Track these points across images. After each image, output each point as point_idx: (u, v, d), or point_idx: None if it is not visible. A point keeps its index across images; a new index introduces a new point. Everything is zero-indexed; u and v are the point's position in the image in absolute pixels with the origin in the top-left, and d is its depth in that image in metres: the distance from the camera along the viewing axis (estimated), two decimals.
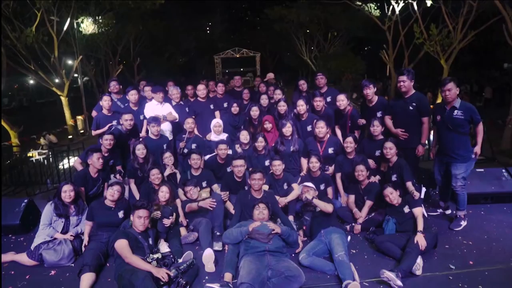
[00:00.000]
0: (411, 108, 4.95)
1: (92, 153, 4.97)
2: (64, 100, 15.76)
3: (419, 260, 3.67)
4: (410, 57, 17.59)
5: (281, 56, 33.14)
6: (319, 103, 5.82)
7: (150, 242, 3.89)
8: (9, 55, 13.21)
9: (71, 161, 8.20)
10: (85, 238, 4.27)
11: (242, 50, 24.64)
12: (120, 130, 5.72)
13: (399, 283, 3.38)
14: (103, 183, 5.07)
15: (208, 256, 3.88)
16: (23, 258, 4.12)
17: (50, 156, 9.33)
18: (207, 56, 29.35)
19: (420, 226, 4.03)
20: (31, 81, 29.61)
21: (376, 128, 5.16)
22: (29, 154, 10.56)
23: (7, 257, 4.23)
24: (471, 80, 22.50)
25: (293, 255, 4.08)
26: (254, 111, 6.09)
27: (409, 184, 4.62)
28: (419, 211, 4.18)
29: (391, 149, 4.79)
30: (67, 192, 4.35)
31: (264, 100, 6.56)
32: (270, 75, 9.16)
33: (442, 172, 4.78)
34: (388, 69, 20.95)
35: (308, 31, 23.63)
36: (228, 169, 5.33)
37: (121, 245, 3.62)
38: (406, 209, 4.28)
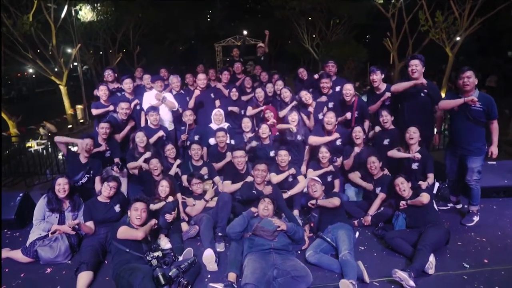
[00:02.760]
0: (422, 94, 4.74)
1: (84, 138, 4.82)
2: (63, 89, 15.58)
3: (432, 258, 3.49)
4: (414, 45, 17.28)
5: (282, 44, 32.64)
6: (325, 84, 5.67)
7: (149, 238, 3.71)
8: (7, 44, 12.98)
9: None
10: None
11: (243, 38, 24.22)
12: (116, 118, 5.51)
13: (412, 283, 3.20)
14: (90, 172, 4.82)
15: (208, 256, 3.68)
16: (17, 255, 3.94)
17: (49, 146, 9.16)
18: (208, 44, 28.91)
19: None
20: (30, 70, 29.27)
21: (385, 118, 4.96)
22: (28, 144, 10.39)
23: (2, 254, 4.06)
24: (475, 69, 22.02)
25: (299, 252, 3.91)
26: (259, 93, 6.04)
27: (431, 176, 4.47)
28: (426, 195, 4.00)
29: (415, 133, 4.58)
30: (61, 185, 4.15)
31: (269, 89, 6.36)
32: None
33: (454, 165, 4.56)
34: (391, 57, 20.62)
35: (310, 18, 23.18)
36: (229, 159, 5.15)
37: (123, 231, 3.51)
38: None
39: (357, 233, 4.17)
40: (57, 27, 14.28)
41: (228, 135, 5.45)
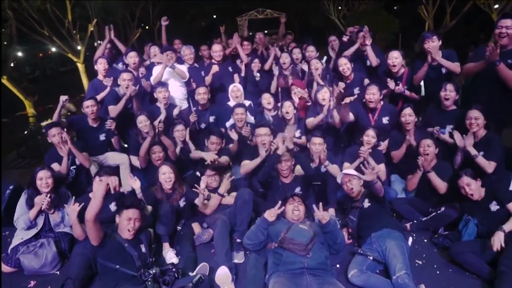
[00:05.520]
0: (509, 62, 3.61)
1: (50, 127, 4.06)
2: (80, 66, 15.07)
3: None
4: (451, 13, 15.90)
5: (307, 16, 31.12)
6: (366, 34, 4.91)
7: (143, 250, 2.89)
8: (22, 21, 12.49)
9: None
10: None
11: (266, 10, 23.01)
12: (118, 92, 4.80)
13: None
14: (74, 162, 4.14)
15: (223, 276, 2.86)
16: None
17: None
18: (230, 19, 27.88)
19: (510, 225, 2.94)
20: (54, 49, 29.14)
21: (449, 94, 3.96)
22: (43, 124, 9.95)
23: None
24: None
25: (337, 266, 3.08)
26: (284, 58, 5.30)
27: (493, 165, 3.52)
28: None
29: (478, 119, 3.63)
30: (43, 180, 3.45)
31: (296, 55, 5.64)
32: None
33: None
34: (426, 27, 19.07)
35: None
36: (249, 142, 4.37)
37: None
38: (494, 207, 3.15)
39: (410, 240, 3.30)
40: (72, 2, 13.66)
41: (248, 113, 4.65)
